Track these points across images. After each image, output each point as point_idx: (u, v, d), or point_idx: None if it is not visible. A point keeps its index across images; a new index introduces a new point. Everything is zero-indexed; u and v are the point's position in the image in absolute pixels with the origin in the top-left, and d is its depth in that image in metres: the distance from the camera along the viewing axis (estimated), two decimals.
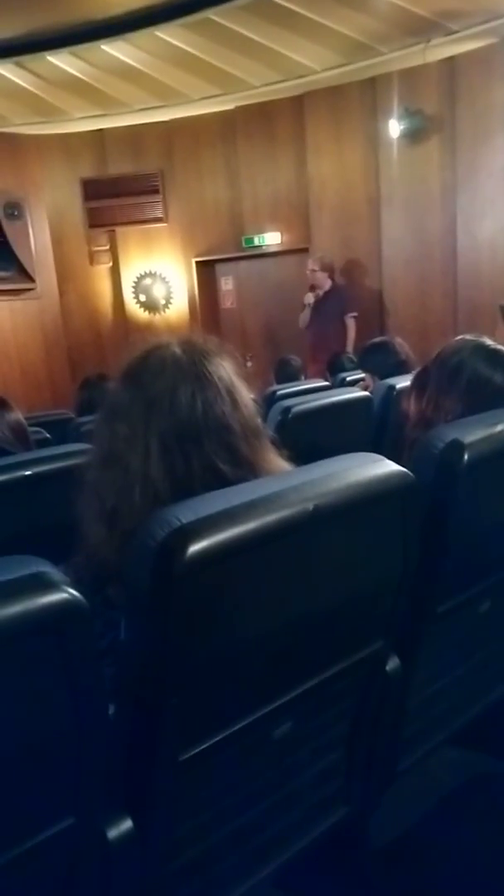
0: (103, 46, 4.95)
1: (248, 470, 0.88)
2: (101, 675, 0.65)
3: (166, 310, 6.73)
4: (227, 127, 6.06)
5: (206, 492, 0.79)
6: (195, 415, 0.86)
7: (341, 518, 0.83)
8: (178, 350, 0.91)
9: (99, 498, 0.87)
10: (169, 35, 4.93)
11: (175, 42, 4.99)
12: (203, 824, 0.84)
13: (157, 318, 6.76)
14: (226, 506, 0.73)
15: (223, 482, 0.85)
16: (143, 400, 0.87)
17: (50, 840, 0.68)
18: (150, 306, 6.74)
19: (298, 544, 0.80)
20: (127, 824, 0.74)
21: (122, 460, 0.86)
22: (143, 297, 6.74)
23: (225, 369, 0.91)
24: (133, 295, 6.74)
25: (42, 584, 0.58)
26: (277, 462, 0.93)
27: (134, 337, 7.02)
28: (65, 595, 0.58)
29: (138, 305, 6.76)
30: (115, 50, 5.07)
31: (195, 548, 0.69)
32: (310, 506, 0.78)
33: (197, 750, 0.75)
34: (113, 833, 0.74)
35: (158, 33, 4.90)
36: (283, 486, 0.80)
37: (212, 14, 4.67)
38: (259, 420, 0.94)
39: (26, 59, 5.03)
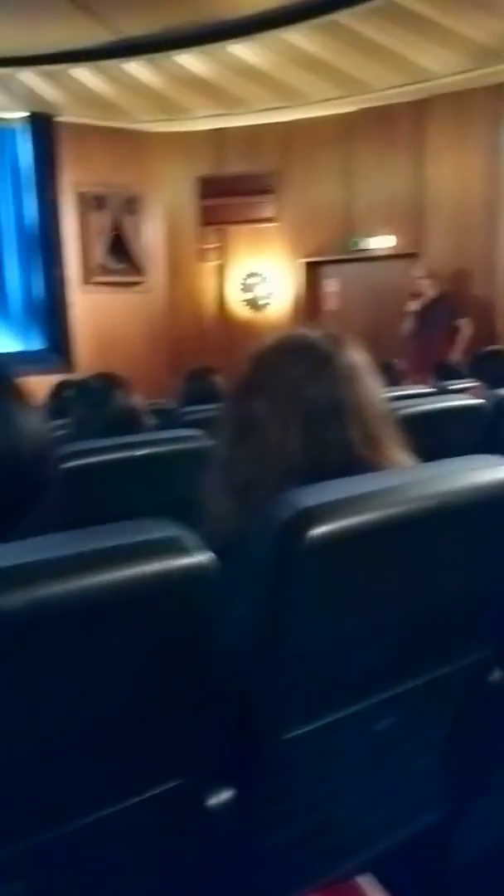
0: (229, 47, 5.05)
1: (379, 454, 0.89)
2: (219, 641, 0.67)
3: (268, 309, 6.79)
4: (346, 129, 6.04)
5: (340, 468, 0.80)
6: (333, 394, 0.88)
7: (460, 518, 0.83)
8: (314, 337, 0.93)
9: (231, 472, 0.90)
10: (294, 37, 4.97)
11: (299, 44, 5.03)
12: (296, 808, 0.85)
13: (259, 316, 6.82)
14: (350, 493, 0.74)
15: (356, 461, 0.86)
16: (284, 377, 0.89)
17: (155, 799, 0.71)
18: (254, 305, 6.82)
19: (415, 539, 0.80)
20: (228, 794, 0.76)
21: (260, 433, 0.88)
22: (247, 296, 6.83)
23: (357, 358, 0.92)
24: (238, 293, 6.84)
25: (177, 546, 0.60)
26: (401, 455, 0.93)
27: (236, 334, 7.14)
28: (198, 558, 0.60)
29: (243, 303, 6.85)
30: (241, 50, 5.16)
31: (316, 531, 0.70)
32: (432, 502, 0.78)
33: (301, 731, 0.76)
34: (213, 801, 0.76)
35: (284, 35, 4.95)
36: (407, 479, 0.80)
37: (340, 17, 4.68)
38: (388, 408, 0.95)
39: (158, 56, 5.19)
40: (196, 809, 0.76)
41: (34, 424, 0.86)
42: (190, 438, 1.46)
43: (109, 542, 0.61)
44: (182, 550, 0.61)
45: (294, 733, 0.77)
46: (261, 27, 4.94)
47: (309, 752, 0.80)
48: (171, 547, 0.61)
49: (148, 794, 0.71)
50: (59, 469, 0.96)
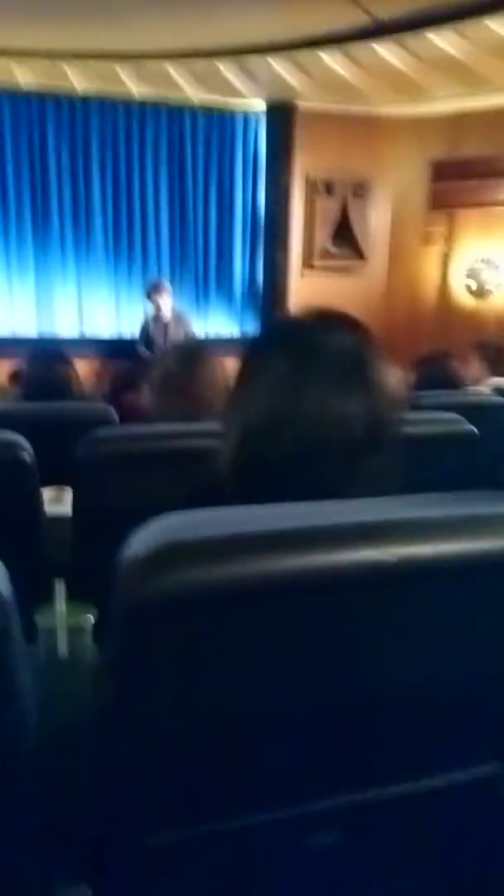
0: (488, 22, 4.82)
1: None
2: None
3: (494, 297, 6.47)
4: None
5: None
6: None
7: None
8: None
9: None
10: None
11: None
12: None
13: (484, 305, 6.52)
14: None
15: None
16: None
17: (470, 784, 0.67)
18: (479, 293, 6.53)
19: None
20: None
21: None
22: (472, 284, 6.55)
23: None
24: (463, 280, 6.58)
25: None
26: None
27: (455, 321, 6.90)
28: None
29: (466, 291, 6.58)
30: (498, 26, 4.89)
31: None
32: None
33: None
34: None
35: None
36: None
37: None
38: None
39: (408, 36, 5.11)
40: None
41: (384, 385, 0.82)
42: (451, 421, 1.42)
43: (472, 510, 0.60)
44: None
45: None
46: None
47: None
48: None
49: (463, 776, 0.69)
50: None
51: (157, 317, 5.84)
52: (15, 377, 3.97)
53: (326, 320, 0.85)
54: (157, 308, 5.79)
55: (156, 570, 0.63)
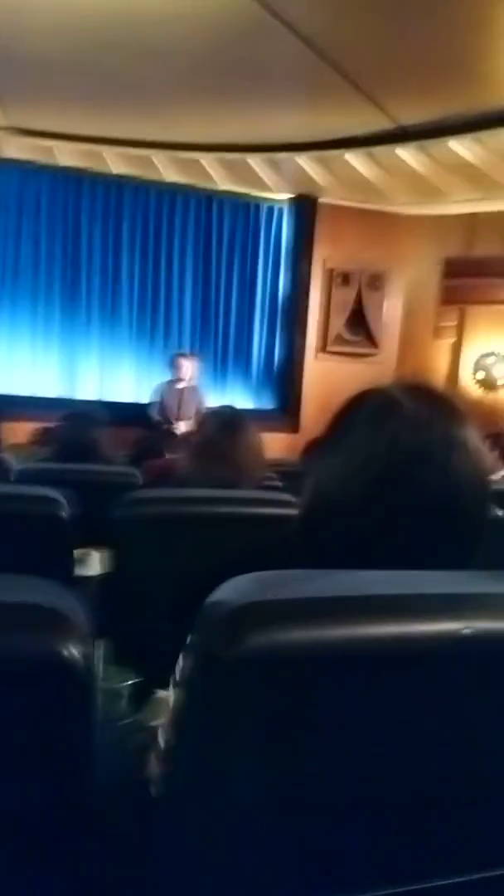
0: None
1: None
2: None
3: (502, 390, 6.61)
4: None
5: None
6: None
7: None
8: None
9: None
10: None
11: None
12: None
13: (491, 397, 6.64)
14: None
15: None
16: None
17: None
18: (487, 385, 6.67)
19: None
20: None
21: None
22: (480, 375, 6.70)
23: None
24: (471, 372, 6.74)
25: None
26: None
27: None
28: None
29: (474, 382, 6.73)
30: None
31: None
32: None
33: None
34: None
35: None
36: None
37: None
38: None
39: (430, 143, 5.43)
40: None
41: (472, 462, 0.82)
42: None
43: None
44: None
45: None
46: None
47: None
48: None
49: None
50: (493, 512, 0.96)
51: (174, 384, 5.92)
52: (38, 437, 4.01)
53: (422, 393, 0.87)
54: (178, 374, 5.88)
55: (241, 629, 0.62)
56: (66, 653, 0.58)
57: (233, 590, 0.67)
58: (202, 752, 0.67)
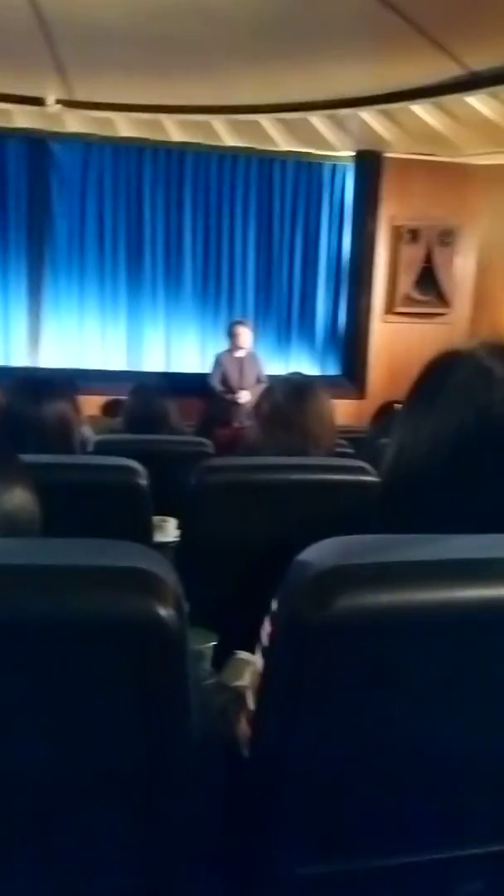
0: None
1: None
2: None
3: None
4: None
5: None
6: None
7: None
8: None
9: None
10: None
11: None
12: None
13: None
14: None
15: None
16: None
17: None
18: None
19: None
20: None
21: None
22: None
23: None
24: None
25: None
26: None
27: None
28: None
29: None
30: None
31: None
32: None
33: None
34: None
35: None
36: None
37: None
38: None
39: (501, 88, 5.16)
40: None
41: None
42: None
43: None
44: None
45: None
46: None
47: None
48: None
49: None
50: None
51: (232, 352, 5.93)
52: (108, 409, 4.11)
53: (496, 351, 0.84)
54: (236, 343, 5.89)
55: (329, 593, 0.63)
56: (163, 613, 0.60)
57: (318, 554, 0.68)
58: (293, 714, 0.68)
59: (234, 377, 5.82)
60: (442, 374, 0.86)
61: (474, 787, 0.74)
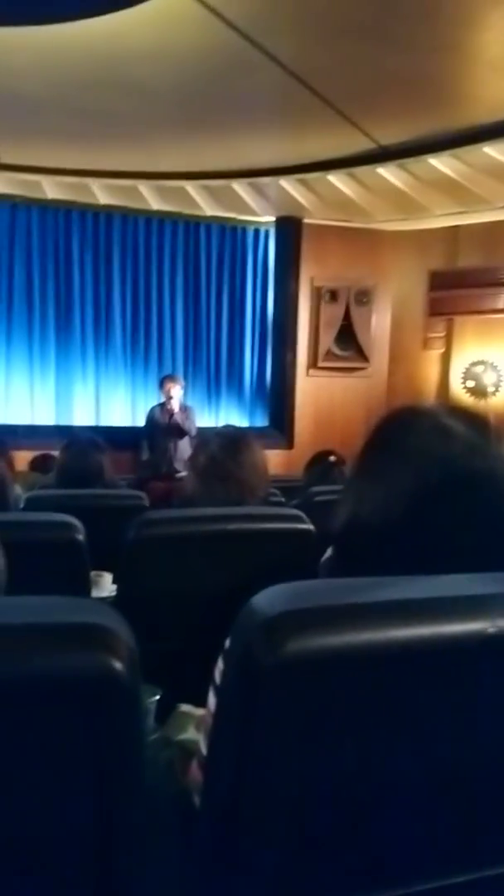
0: (485, 148, 5.26)
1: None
2: None
3: (494, 397, 6.69)
4: None
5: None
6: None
7: None
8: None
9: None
10: None
11: None
12: None
13: (482, 405, 6.72)
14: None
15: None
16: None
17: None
18: (478, 392, 6.75)
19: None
20: None
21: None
22: (470, 384, 6.79)
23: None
24: (461, 381, 6.82)
25: None
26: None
27: None
28: None
29: (464, 391, 6.81)
30: (494, 150, 5.32)
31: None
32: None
33: None
34: None
35: None
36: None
37: None
38: None
39: (410, 161, 5.55)
40: None
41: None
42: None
43: None
44: None
45: None
46: None
47: None
48: None
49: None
50: None
51: (165, 406, 5.97)
52: (36, 464, 4.03)
53: (463, 413, 0.86)
54: (168, 397, 5.94)
55: (280, 635, 0.64)
56: (119, 667, 0.60)
57: (268, 599, 0.71)
58: (245, 753, 0.70)
59: (165, 430, 5.85)
60: (401, 428, 0.86)
61: (433, 821, 0.76)
